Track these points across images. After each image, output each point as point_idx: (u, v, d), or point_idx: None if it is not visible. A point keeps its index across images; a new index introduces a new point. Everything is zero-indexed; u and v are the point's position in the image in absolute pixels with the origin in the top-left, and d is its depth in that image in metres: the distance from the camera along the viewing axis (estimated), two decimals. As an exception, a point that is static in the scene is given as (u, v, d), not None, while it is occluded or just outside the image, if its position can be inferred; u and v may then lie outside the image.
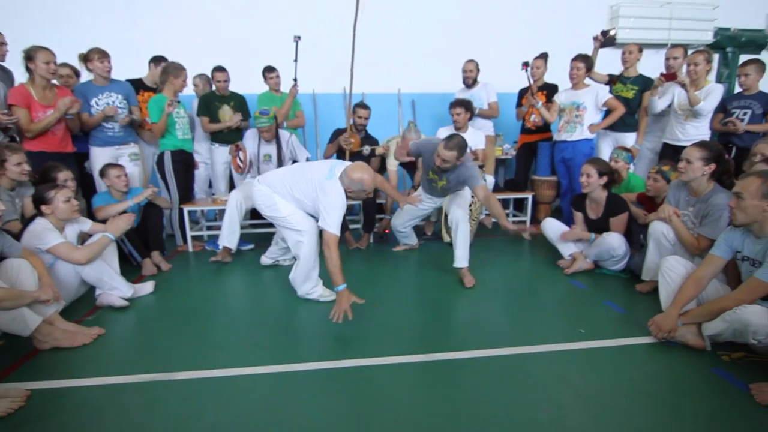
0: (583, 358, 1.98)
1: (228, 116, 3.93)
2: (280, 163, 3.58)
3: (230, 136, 3.92)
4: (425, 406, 1.63)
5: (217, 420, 1.56)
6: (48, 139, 3.08)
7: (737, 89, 3.63)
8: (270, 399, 1.69)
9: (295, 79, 3.78)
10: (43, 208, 2.43)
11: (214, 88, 3.96)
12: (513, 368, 1.90)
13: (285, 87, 4.08)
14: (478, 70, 4.21)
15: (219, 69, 3.88)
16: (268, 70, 4.07)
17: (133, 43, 4.11)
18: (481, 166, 3.82)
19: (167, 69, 3.42)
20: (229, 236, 3.32)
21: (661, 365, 1.92)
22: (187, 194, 3.71)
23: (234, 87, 3.98)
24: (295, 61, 3.64)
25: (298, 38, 3.65)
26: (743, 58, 4.43)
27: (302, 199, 2.50)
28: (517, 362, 1.94)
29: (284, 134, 3.68)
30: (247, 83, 4.13)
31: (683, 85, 3.32)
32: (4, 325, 1.94)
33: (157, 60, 3.83)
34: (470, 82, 4.22)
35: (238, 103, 4.00)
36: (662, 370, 1.88)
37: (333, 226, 2.30)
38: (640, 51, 3.80)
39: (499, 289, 2.86)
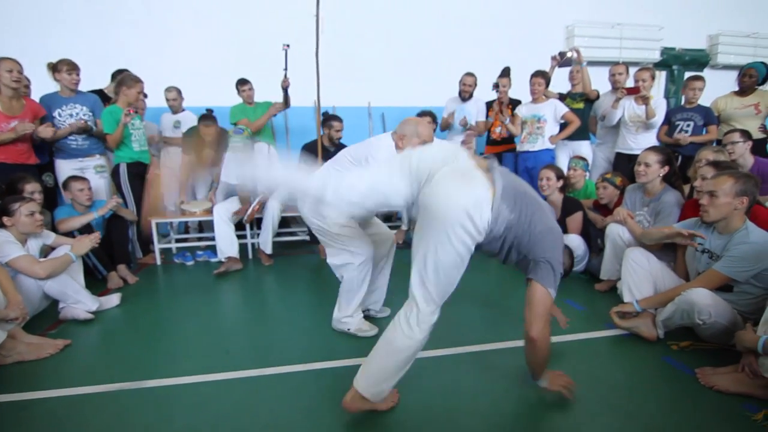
0: (545, 353, 2.08)
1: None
2: None
3: None
4: (403, 399, 1.68)
5: (188, 424, 1.56)
6: (9, 150, 2.99)
7: (682, 104, 3.94)
8: (241, 402, 1.69)
9: (286, 91, 3.81)
10: (5, 219, 2.37)
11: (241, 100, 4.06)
12: (481, 363, 1.98)
13: (258, 97, 4.13)
14: (476, 84, 4.26)
15: (243, 81, 4.00)
16: (242, 83, 4.09)
17: (104, 54, 4.07)
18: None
19: (122, 80, 3.37)
20: (230, 246, 3.39)
21: (617, 356, 2.05)
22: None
23: (210, 99, 4.00)
24: (285, 69, 3.61)
25: (287, 47, 3.55)
26: (687, 75, 4.79)
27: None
28: (485, 357, 2.03)
29: (262, 147, 3.71)
30: (221, 95, 4.16)
31: (645, 99, 3.57)
32: (-37, 339, 1.87)
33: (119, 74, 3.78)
34: (467, 95, 4.25)
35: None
36: (618, 360, 2.01)
37: (359, 177, 1.60)
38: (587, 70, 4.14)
39: (466, 291, 2.94)
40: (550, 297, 1.53)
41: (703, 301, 1.89)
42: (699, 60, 5.90)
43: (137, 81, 3.40)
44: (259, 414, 1.62)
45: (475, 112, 4.31)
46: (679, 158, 3.72)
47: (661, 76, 5.86)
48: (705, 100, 3.86)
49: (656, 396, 1.71)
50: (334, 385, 1.81)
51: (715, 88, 4.15)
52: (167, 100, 4.10)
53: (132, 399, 1.72)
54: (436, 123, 4.01)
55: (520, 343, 2.13)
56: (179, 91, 4.13)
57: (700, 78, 3.81)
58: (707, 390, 1.72)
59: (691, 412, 1.61)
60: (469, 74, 4.24)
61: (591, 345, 2.15)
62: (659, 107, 3.69)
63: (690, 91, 3.78)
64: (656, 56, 5.64)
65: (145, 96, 3.89)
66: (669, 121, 3.84)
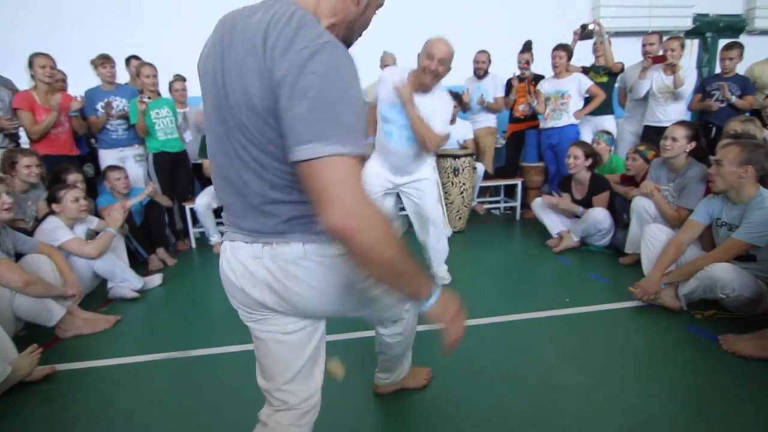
0: (568, 323, 2.14)
1: None
2: None
3: None
4: (432, 363, 1.77)
5: (236, 386, 1.70)
6: (53, 143, 3.21)
7: (717, 72, 3.80)
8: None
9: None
10: (54, 206, 2.57)
11: None
12: (504, 332, 2.06)
13: None
14: (489, 61, 4.25)
15: None
16: None
17: (133, 48, 4.20)
18: (471, 155, 3.96)
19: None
20: None
21: (639, 325, 2.08)
22: (181, 193, 3.72)
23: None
24: None
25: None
26: (722, 42, 4.58)
27: None
28: (508, 328, 2.10)
29: None
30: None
31: (673, 68, 3.47)
32: (31, 316, 2.06)
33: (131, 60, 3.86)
34: (481, 73, 4.25)
35: None
36: (640, 329, 2.04)
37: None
38: (610, 43, 4.01)
39: (491, 267, 3.00)
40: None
41: (726, 276, 1.89)
42: (735, 26, 5.60)
43: (145, 65, 3.45)
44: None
45: (492, 89, 4.27)
46: (713, 129, 3.62)
47: (694, 44, 5.62)
48: (741, 67, 3.72)
49: (677, 361, 1.75)
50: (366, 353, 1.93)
51: (753, 55, 3.97)
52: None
53: (181, 366, 1.89)
54: (461, 105, 3.99)
55: (542, 314, 2.21)
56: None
57: (737, 45, 3.66)
58: (729, 355, 1.75)
59: (711, 375, 1.65)
60: (482, 51, 4.21)
61: (612, 315, 2.19)
62: (689, 77, 3.58)
63: (726, 60, 3.65)
64: (688, 24, 5.38)
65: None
66: (703, 90, 3.73)
